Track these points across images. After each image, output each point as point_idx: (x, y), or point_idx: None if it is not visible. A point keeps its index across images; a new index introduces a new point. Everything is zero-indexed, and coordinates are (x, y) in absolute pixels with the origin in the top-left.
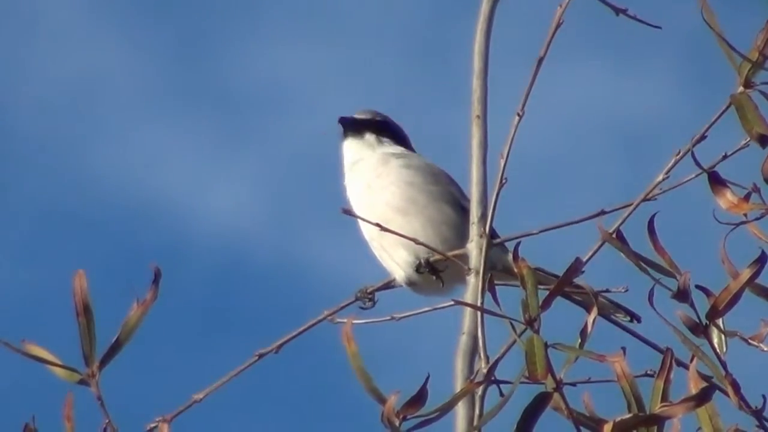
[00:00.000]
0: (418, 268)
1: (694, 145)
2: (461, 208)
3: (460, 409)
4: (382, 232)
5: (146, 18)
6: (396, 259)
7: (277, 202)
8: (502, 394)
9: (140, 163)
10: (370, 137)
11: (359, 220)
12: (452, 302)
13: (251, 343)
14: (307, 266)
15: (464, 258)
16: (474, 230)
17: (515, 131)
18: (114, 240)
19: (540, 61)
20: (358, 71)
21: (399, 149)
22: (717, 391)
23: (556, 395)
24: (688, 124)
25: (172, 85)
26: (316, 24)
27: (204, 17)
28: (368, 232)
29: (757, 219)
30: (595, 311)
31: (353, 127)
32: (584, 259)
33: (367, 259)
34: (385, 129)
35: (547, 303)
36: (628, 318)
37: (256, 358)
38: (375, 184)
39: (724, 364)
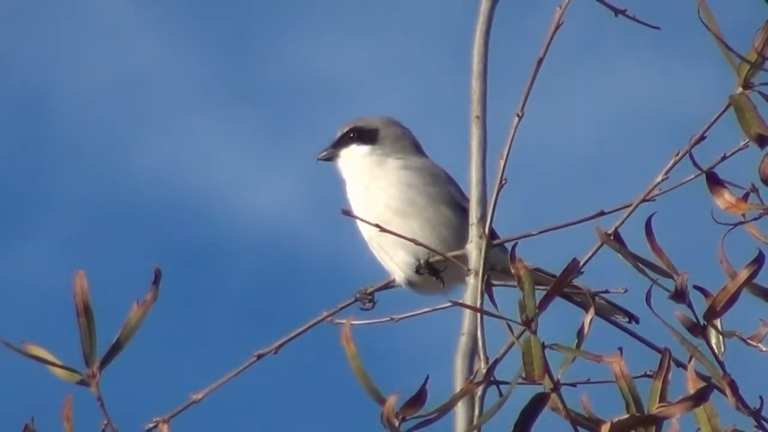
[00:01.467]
0: (417, 269)
1: (692, 146)
2: (460, 209)
3: (460, 410)
4: (381, 233)
5: (194, 12)
6: (395, 260)
7: (323, 196)
8: (501, 395)
9: (187, 157)
10: (355, 147)
11: (358, 221)
12: (451, 303)
13: (250, 343)
14: (353, 261)
15: (464, 259)
16: (473, 231)
17: (515, 132)
18: (159, 234)
19: (540, 62)
20: (404, 64)
21: (377, 148)
22: (715, 391)
23: (554, 395)
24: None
25: (219, 80)
26: (363, 17)
27: (251, 11)
28: (367, 232)
29: (755, 219)
30: (592, 312)
31: (335, 147)
32: (583, 260)
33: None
34: (359, 135)
35: (544, 304)
36: (627, 319)
37: (255, 358)
38: (372, 185)
39: (722, 365)
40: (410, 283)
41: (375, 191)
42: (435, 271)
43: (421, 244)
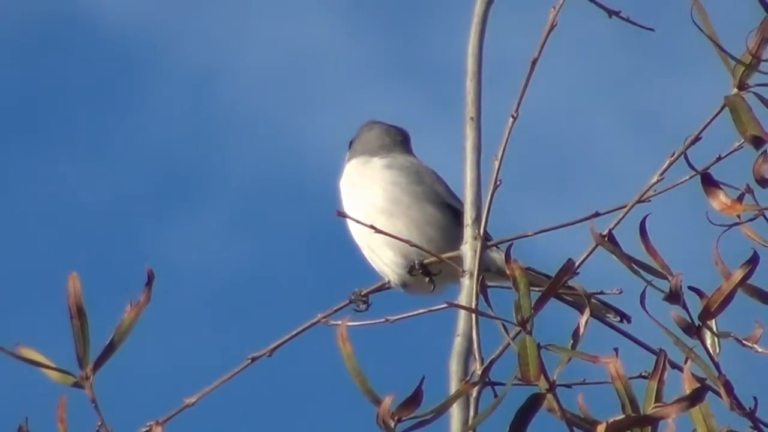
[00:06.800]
0: (411, 270)
1: (687, 147)
2: (448, 207)
3: (455, 411)
4: (370, 233)
5: None
6: (384, 260)
7: (487, 173)
8: (496, 396)
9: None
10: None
11: (349, 221)
12: (446, 304)
13: (244, 346)
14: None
15: (458, 260)
16: (468, 232)
17: (509, 133)
18: (327, 212)
19: (534, 62)
20: (570, 43)
21: (357, 149)
22: (710, 392)
23: (549, 396)
24: None
25: (386, 57)
26: None
27: None
28: (356, 232)
29: (750, 220)
30: (587, 312)
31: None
32: (578, 261)
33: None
34: (352, 141)
35: (539, 304)
36: (618, 318)
37: (249, 361)
38: (358, 183)
39: (717, 365)
40: (403, 284)
41: (360, 189)
42: (428, 273)
43: (417, 246)
